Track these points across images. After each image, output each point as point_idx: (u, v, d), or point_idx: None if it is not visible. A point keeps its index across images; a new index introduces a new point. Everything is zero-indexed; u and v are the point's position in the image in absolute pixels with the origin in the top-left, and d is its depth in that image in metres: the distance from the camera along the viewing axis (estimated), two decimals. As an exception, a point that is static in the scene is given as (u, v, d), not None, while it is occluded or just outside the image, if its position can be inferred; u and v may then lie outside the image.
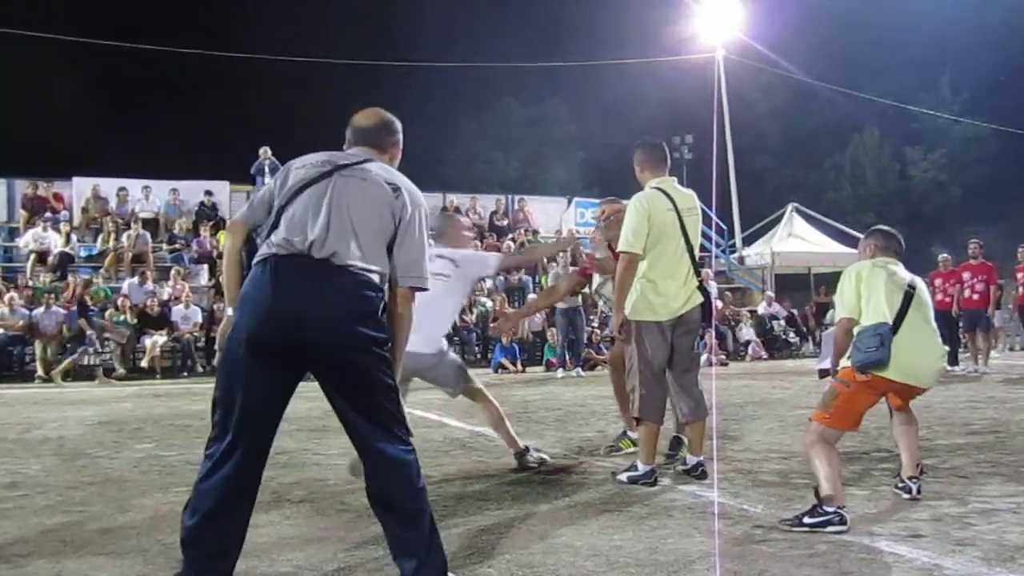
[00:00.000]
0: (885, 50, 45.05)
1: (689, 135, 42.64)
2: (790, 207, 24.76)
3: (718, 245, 24.12)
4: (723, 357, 17.98)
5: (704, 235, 25.52)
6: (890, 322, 4.38)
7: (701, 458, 5.35)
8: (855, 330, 4.49)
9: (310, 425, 8.49)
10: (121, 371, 15.69)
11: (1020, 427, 7.31)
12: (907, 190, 46.81)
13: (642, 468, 5.18)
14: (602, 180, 46.82)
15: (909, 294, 4.51)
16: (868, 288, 4.52)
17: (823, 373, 4.85)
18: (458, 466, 6.09)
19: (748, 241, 25.85)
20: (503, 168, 47.69)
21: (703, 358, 17.22)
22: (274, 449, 6.90)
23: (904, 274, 4.68)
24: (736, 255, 24.81)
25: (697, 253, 5.33)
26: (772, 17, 32.82)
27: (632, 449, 6.13)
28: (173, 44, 21.79)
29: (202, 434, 7.85)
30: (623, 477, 5.23)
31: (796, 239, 23.46)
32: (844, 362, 4.51)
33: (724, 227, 25.02)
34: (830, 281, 17.76)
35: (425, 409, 9.84)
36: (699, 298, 5.29)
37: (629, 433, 6.29)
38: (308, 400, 11.40)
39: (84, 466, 6.32)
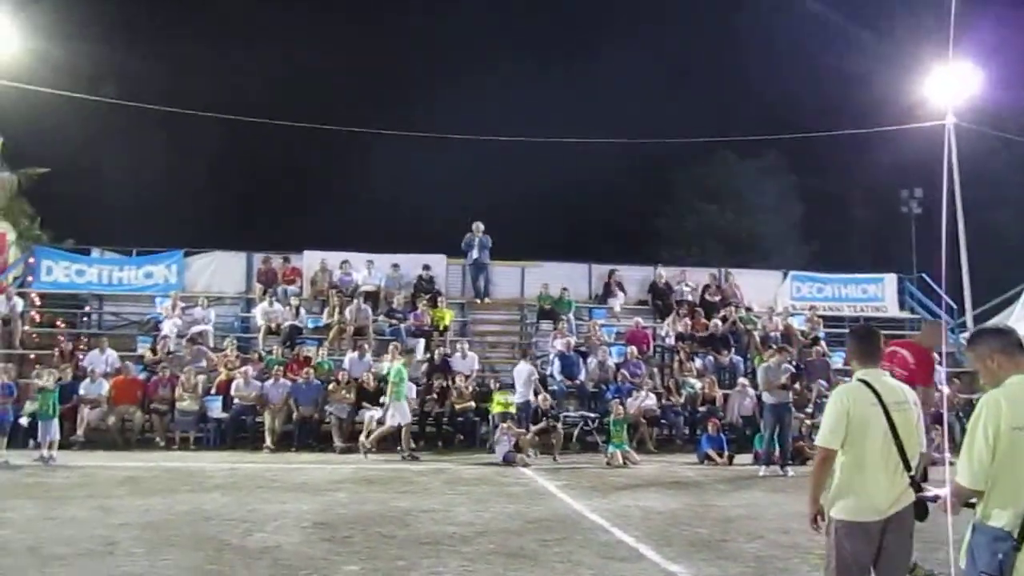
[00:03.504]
0: None
1: (918, 188, 40.56)
2: (1027, 287, 22.96)
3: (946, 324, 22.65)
4: (952, 458, 16.74)
5: (932, 313, 24.05)
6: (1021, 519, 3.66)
7: None
8: (976, 518, 3.82)
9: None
10: (340, 445, 16.57)
11: None
12: None
13: None
14: (823, 235, 45.17)
15: None
16: (1000, 444, 3.73)
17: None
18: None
19: (981, 319, 24.07)
20: (717, 221, 46.67)
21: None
22: None
23: None
24: (966, 334, 23.16)
25: (916, 450, 5.06)
26: (1008, 74, 30.61)
27: None
28: (388, 127, 22.98)
29: (404, 551, 8.21)
30: None
31: (1034, 323, 21.64)
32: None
33: (954, 305, 23.48)
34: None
35: (623, 527, 9.76)
36: (911, 496, 5.02)
37: None
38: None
39: (293, 600, 6.72)
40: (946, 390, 19.76)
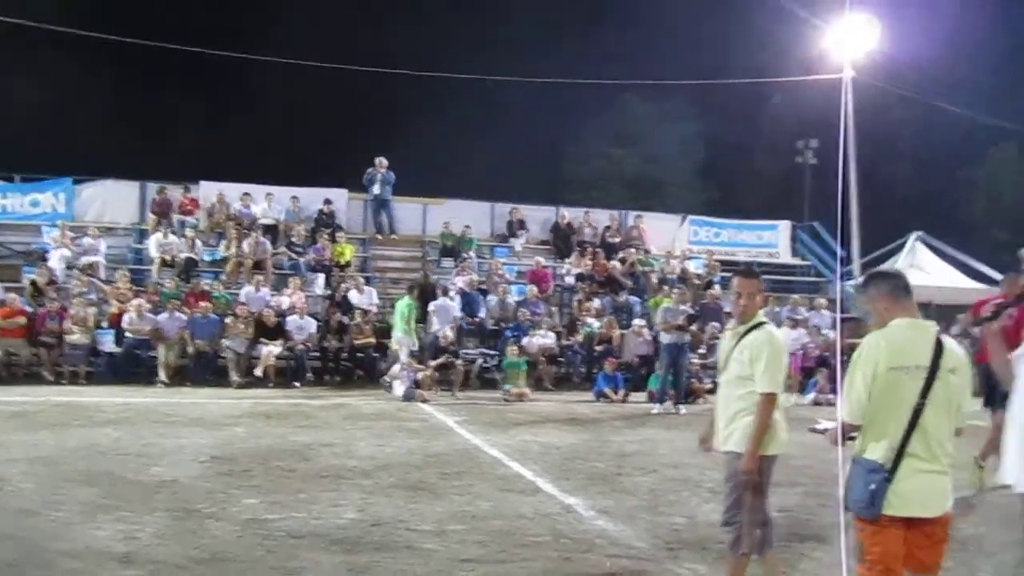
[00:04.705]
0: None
1: (814, 140, 41.45)
2: (913, 236, 23.91)
3: (832, 270, 23.49)
4: (831, 397, 17.48)
5: (822, 260, 24.89)
6: (897, 444, 3.89)
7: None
8: (855, 450, 4.02)
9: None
10: (237, 380, 16.36)
11: None
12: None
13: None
14: (723, 182, 46.03)
15: (928, 383, 3.95)
16: (878, 383, 3.94)
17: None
18: (541, 566, 6.12)
19: (870, 267, 24.96)
20: (622, 164, 47.14)
21: (810, 397, 16.90)
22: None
23: (924, 343, 4.02)
24: (853, 282, 24.04)
25: None
26: (909, 31, 31.42)
27: None
28: (296, 56, 22.41)
29: (305, 485, 8.22)
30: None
31: (917, 271, 22.50)
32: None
33: (843, 253, 24.29)
34: (950, 317, 17.12)
35: (522, 462, 9.97)
36: None
37: None
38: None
39: (193, 531, 6.68)
40: (832, 334, 20.63)
